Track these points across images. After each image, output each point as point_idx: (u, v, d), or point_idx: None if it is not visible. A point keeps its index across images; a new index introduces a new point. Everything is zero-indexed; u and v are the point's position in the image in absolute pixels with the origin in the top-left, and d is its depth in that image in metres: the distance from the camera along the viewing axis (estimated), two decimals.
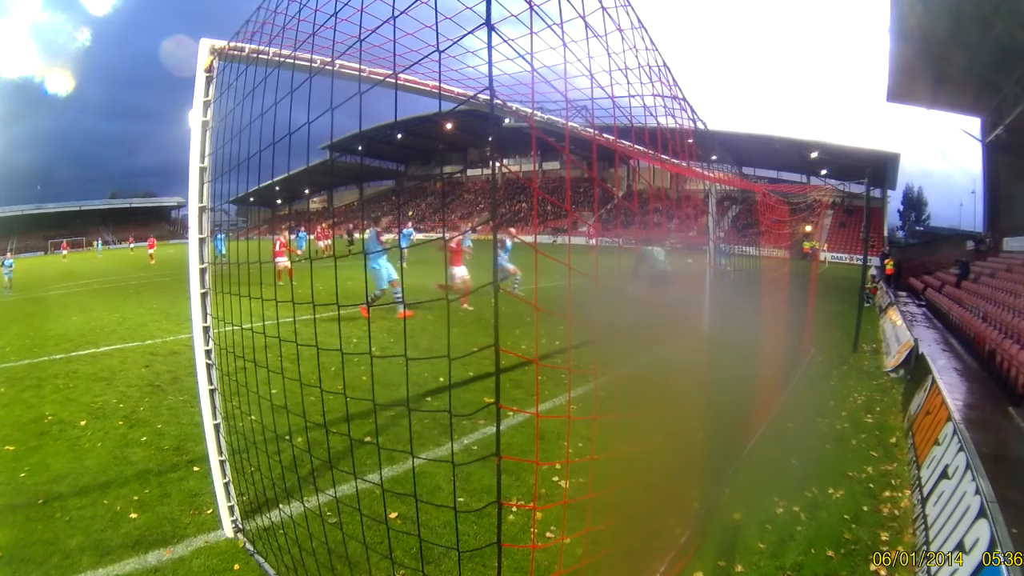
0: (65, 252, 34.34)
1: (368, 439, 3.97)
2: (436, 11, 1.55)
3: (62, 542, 2.73)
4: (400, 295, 8.51)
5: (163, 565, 2.57)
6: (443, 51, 1.48)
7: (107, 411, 4.56)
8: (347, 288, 11.09)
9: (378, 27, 1.66)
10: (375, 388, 5.16)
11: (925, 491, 3.24)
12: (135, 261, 25.58)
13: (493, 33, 1.26)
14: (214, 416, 2.74)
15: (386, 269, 8.54)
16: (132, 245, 34.74)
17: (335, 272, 1.82)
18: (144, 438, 4.01)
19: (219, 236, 19.80)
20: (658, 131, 2.73)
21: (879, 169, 29.32)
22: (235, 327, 2.66)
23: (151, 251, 25.58)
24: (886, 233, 34.48)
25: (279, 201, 64.24)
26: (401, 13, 1.58)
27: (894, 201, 39.11)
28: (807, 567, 2.68)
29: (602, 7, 1.70)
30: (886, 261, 18.56)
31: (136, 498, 3.16)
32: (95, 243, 44.83)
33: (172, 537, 2.80)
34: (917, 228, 38.65)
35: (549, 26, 1.53)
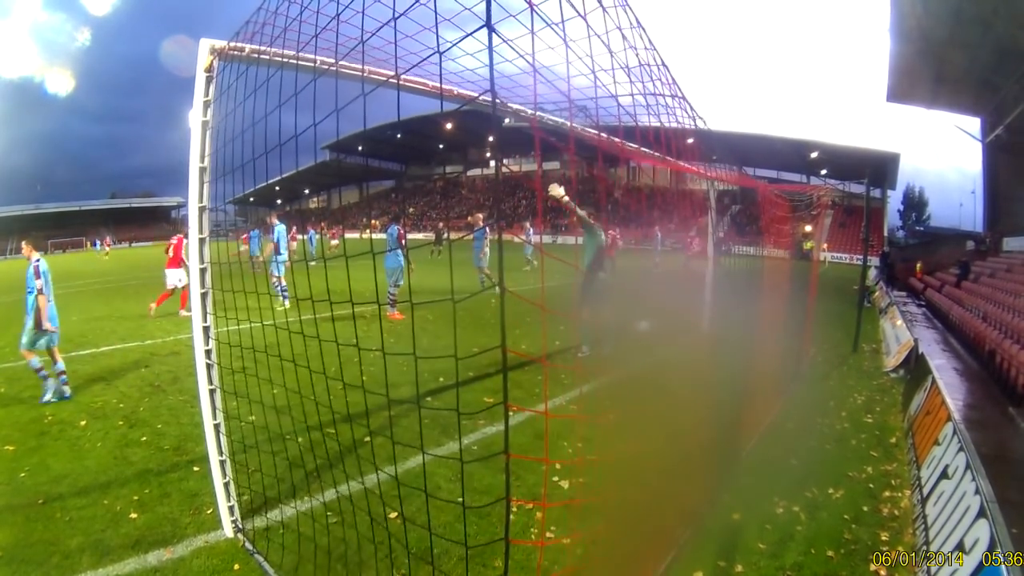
0: (107, 248, 34.97)
1: (368, 439, 3.98)
2: (436, 12, 1.55)
3: (62, 542, 2.73)
4: (394, 296, 8.56)
5: (163, 565, 2.57)
6: (443, 52, 1.48)
7: (107, 411, 4.56)
8: (342, 288, 11.08)
9: (379, 29, 1.66)
10: (375, 388, 5.17)
11: (925, 491, 3.24)
12: (131, 261, 25.57)
13: (493, 34, 1.26)
14: (214, 416, 2.74)
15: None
16: (118, 247, 35.58)
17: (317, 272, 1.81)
18: (144, 438, 4.01)
19: (254, 235, 19.55)
20: (654, 130, 2.73)
21: (879, 169, 29.32)
22: (236, 327, 2.67)
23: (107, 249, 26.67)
24: (886, 233, 34.48)
25: (279, 201, 64.25)
26: (401, 15, 1.58)
27: (894, 201, 39.16)
28: (807, 567, 2.69)
29: (602, 7, 1.70)
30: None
31: (136, 498, 3.16)
32: (96, 243, 44.83)
33: (172, 537, 2.80)
34: (917, 228, 38.64)
35: (549, 25, 1.53)
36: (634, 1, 2.05)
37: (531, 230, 20.72)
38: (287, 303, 9.00)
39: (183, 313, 9.07)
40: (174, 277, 9.18)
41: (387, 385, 1.95)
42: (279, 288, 9.32)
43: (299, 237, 21.71)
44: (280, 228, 9.71)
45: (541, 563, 2.46)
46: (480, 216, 12.41)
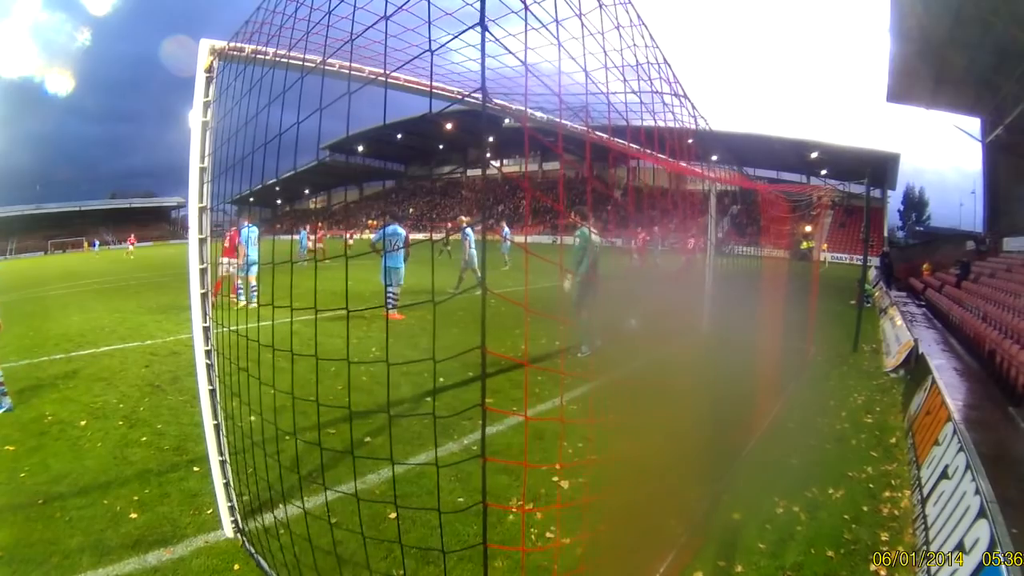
0: (132, 247, 33.90)
1: (368, 439, 3.97)
2: (429, 8, 1.55)
3: (62, 542, 2.73)
4: (394, 297, 8.52)
5: (163, 565, 2.57)
6: (435, 52, 1.48)
7: (107, 411, 4.56)
8: (343, 289, 11.08)
9: (372, 24, 1.65)
10: (374, 388, 5.17)
11: (925, 491, 3.24)
12: (135, 261, 25.57)
13: (487, 32, 1.26)
14: (214, 416, 2.73)
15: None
16: (131, 247, 34.24)
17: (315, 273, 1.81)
18: (144, 438, 4.01)
19: (303, 233, 20.08)
20: (656, 130, 2.73)
21: (879, 169, 29.31)
22: (236, 328, 2.67)
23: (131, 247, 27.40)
24: (886, 233, 34.50)
25: (279, 201, 64.37)
26: (397, 11, 1.57)
27: (894, 201, 39.21)
28: (807, 567, 2.68)
29: (600, 5, 1.70)
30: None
31: (136, 498, 3.16)
32: (95, 243, 44.77)
33: (172, 537, 2.80)
34: (917, 228, 38.66)
35: (546, 25, 1.53)
36: (635, 1, 2.05)
37: (507, 231, 21.29)
38: (254, 301, 8.83)
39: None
40: (226, 264, 9.47)
41: (349, 395, 1.95)
42: (242, 288, 9.23)
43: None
44: (249, 230, 9.65)
45: (524, 567, 2.45)
46: (464, 217, 12.64)
